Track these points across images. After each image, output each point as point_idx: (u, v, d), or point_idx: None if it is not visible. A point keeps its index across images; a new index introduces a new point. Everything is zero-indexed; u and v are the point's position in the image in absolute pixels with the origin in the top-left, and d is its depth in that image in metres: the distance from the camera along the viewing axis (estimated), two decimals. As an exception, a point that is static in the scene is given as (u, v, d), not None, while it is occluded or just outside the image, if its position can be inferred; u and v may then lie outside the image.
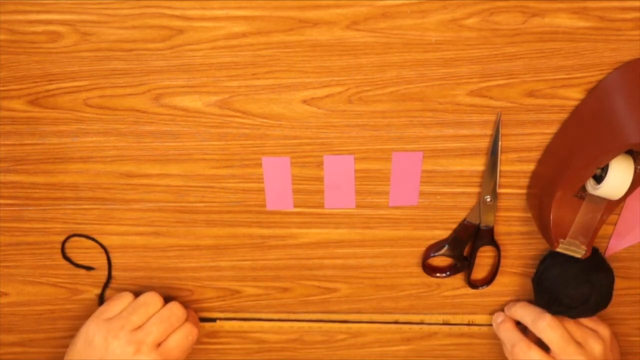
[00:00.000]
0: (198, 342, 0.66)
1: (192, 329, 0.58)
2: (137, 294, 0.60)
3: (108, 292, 0.61)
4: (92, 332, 0.55)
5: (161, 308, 0.57)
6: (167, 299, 0.59)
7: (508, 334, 0.60)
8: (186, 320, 0.58)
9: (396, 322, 0.64)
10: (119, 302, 0.58)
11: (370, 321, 0.64)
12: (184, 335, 0.57)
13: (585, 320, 0.59)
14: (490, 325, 0.64)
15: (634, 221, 0.56)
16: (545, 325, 0.57)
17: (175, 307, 0.58)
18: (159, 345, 0.56)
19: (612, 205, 0.51)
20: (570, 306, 0.56)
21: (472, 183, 0.54)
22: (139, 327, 0.55)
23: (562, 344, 0.56)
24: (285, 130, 0.51)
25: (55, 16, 0.45)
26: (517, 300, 0.62)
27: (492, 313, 0.64)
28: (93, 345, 0.54)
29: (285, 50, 0.47)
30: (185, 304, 0.61)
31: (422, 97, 0.49)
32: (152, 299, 0.57)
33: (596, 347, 0.57)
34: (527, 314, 0.59)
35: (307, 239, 0.58)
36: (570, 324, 0.58)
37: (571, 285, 0.55)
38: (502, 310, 0.63)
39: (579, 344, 0.57)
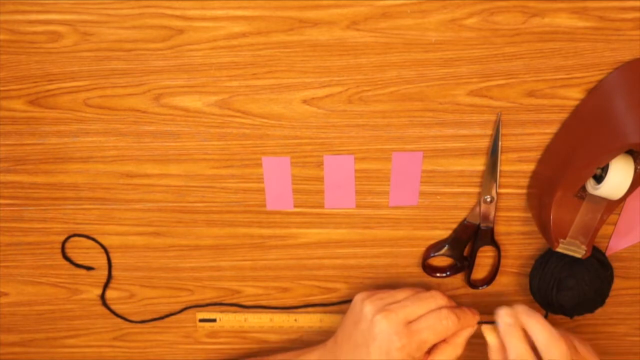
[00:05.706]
0: (198, 342, 0.66)
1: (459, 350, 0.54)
2: (137, 294, 0.60)
3: (108, 292, 0.61)
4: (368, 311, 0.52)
5: (442, 308, 0.53)
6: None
7: (516, 343, 0.53)
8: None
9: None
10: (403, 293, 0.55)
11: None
12: (455, 354, 0.53)
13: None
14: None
15: (634, 221, 0.56)
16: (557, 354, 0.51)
17: (463, 317, 0.54)
18: (428, 352, 0.53)
19: (612, 205, 0.51)
20: (567, 308, 0.57)
21: (472, 183, 0.54)
22: (414, 320, 0.52)
23: None
24: (285, 130, 0.51)
25: (55, 16, 0.45)
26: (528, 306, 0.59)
27: (492, 313, 0.63)
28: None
29: (285, 50, 0.47)
30: (188, 304, 0.62)
31: (422, 97, 0.49)
32: (437, 295, 0.54)
33: None
34: (540, 333, 0.52)
35: (307, 239, 0.58)
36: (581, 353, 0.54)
37: (562, 289, 0.56)
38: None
39: None
